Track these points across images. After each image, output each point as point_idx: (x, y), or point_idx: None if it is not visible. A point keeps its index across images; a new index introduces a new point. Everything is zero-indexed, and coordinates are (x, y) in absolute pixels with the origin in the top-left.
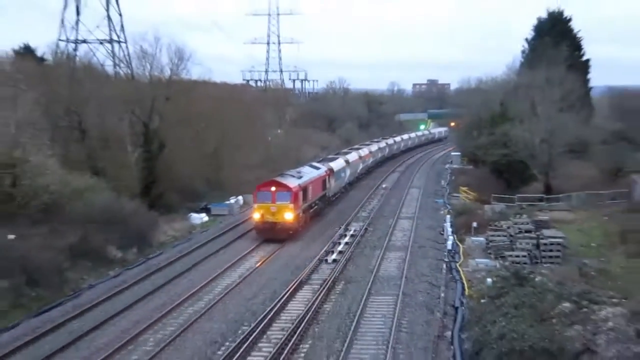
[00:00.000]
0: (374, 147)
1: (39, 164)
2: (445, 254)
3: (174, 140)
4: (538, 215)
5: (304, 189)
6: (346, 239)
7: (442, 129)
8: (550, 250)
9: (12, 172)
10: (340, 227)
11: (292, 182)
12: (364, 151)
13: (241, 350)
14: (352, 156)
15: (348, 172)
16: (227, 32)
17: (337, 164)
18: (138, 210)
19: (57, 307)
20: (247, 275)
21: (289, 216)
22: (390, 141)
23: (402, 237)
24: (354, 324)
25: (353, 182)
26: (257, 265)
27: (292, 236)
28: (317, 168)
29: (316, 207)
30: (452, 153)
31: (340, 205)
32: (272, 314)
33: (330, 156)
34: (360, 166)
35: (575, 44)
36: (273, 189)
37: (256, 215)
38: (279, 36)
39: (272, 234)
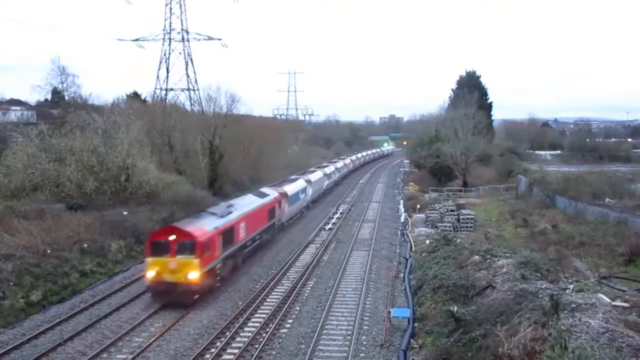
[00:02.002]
0: (339, 164)
1: (143, 167)
2: (400, 224)
3: (229, 152)
4: (458, 200)
5: (227, 231)
6: (337, 215)
7: (390, 147)
8: (466, 223)
9: (126, 172)
10: (333, 207)
11: (203, 228)
12: (330, 168)
13: (270, 285)
14: (316, 175)
15: (310, 191)
16: (263, 84)
17: (294, 186)
18: (206, 196)
19: None
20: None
21: (193, 275)
22: (353, 157)
23: (372, 214)
24: (342, 268)
25: (327, 191)
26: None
27: (198, 300)
28: (264, 195)
29: (257, 242)
30: (405, 161)
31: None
32: (290, 262)
33: (292, 177)
34: (326, 182)
35: (483, 92)
36: (172, 237)
37: (150, 274)
38: (295, 87)
39: (170, 298)
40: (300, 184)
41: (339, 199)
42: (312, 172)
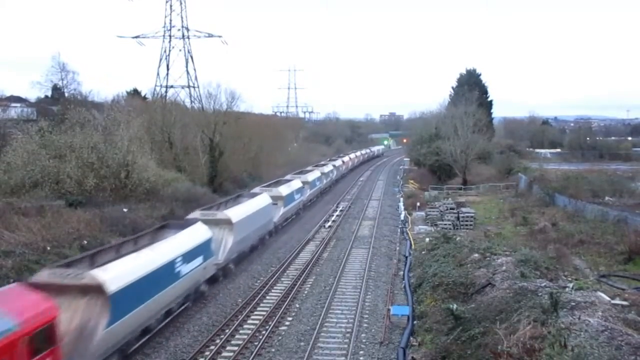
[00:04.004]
0: (311, 176)
1: (143, 164)
2: (400, 222)
3: (229, 149)
4: (458, 198)
5: None
6: (337, 213)
7: (380, 147)
8: (466, 221)
9: (126, 169)
10: (333, 205)
11: None
12: (288, 187)
13: (270, 282)
14: (255, 203)
15: (228, 243)
16: (263, 81)
17: (166, 252)
18: (206, 193)
19: None
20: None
21: None
22: (339, 162)
23: (372, 212)
24: (341, 266)
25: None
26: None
27: (198, 298)
28: None
29: None
30: (404, 159)
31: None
32: (289, 259)
33: (192, 215)
34: (281, 212)
35: (483, 90)
36: None
37: None
38: (295, 84)
39: None
40: (194, 237)
41: (338, 196)
42: (253, 195)
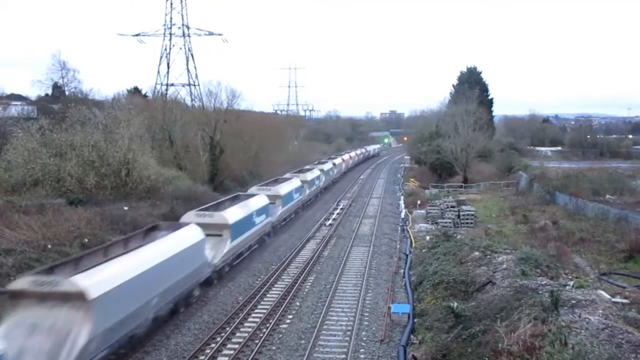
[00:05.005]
0: (285, 189)
1: (144, 162)
2: (400, 220)
3: (230, 147)
4: (459, 196)
5: None
6: (337, 211)
7: (377, 146)
8: (466, 219)
9: (126, 167)
10: (333, 203)
11: None
12: (242, 209)
13: (270, 280)
14: (171, 243)
15: (140, 300)
16: (264, 79)
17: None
18: (206, 191)
19: None
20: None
21: None
22: (329, 164)
23: (373, 210)
24: (342, 264)
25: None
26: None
27: (199, 296)
28: None
29: None
30: (405, 157)
31: None
32: (290, 257)
33: (19, 283)
34: (246, 234)
35: (483, 88)
36: None
37: None
38: (296, 82)
39: None
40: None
41: (339, 195)
42: (176, 227)
